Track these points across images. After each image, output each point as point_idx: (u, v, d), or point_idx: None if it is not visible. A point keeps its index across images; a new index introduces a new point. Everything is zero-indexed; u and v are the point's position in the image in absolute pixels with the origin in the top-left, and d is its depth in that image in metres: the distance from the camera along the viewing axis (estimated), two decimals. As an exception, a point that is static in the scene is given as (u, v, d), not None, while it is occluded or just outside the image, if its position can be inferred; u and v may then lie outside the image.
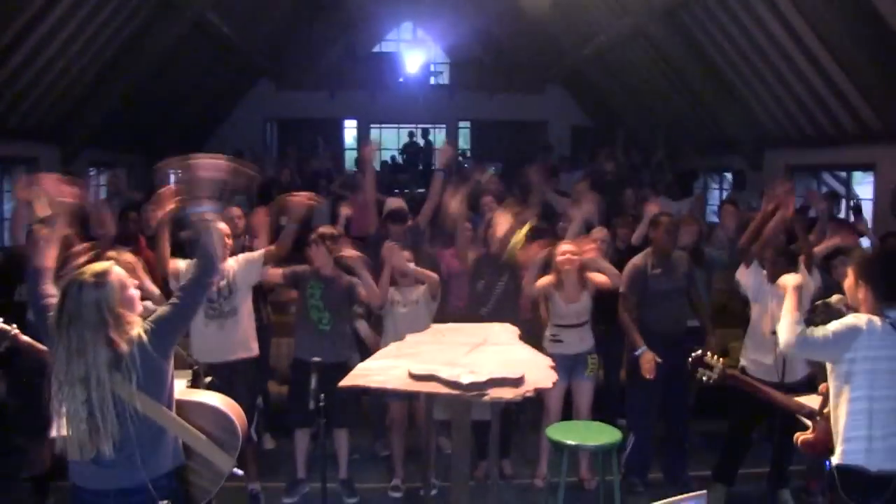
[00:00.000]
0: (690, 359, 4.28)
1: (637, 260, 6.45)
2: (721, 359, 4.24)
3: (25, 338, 3.87)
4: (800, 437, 4.04)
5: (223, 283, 5.82)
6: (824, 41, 8.92)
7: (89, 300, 2.97)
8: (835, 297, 4.01)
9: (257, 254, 5.99)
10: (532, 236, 6.64)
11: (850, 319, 3.59)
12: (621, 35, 13.44)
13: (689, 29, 11.66)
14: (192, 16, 11.85)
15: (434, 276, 6.37)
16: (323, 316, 6.01)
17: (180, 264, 5.67)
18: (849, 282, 3.80)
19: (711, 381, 4.20)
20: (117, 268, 3.15)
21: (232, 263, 5.89)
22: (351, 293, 6.07)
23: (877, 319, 3.57)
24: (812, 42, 9.32)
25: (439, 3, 17.89)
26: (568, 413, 6.38)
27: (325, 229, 6.10)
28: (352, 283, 6.06)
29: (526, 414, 7.26)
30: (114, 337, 2.96)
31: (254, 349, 6.02)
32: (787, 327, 3.67)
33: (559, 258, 6.19)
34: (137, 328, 3.06)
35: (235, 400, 3.72)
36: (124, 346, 2.98)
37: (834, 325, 3.60)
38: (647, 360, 6.12)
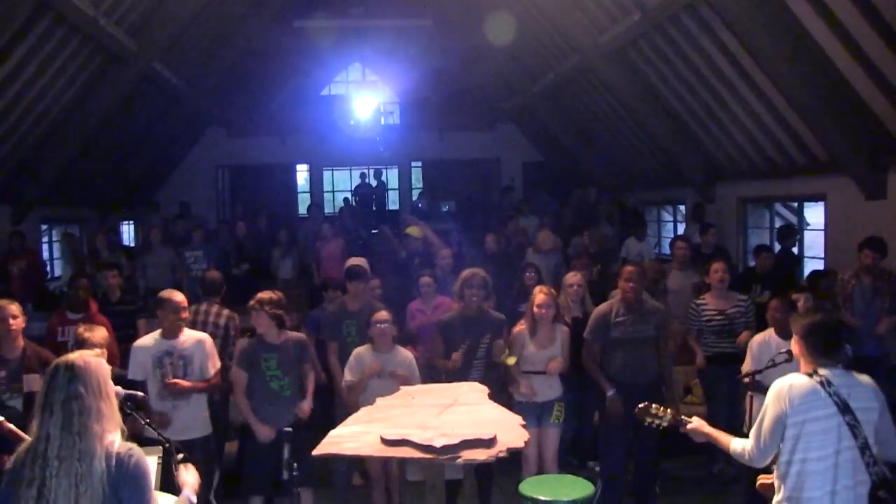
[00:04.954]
0: (636, 410, 4.34)
1: (603, 307, 6.46)
2: (667, 409, 4.27)
3: (8, 425, 3.74)
4: (760, 479, 4.06)
5: (180, 362, 5.77)
6: (770, 75, 9.07)
7: (68, 386, 2.92)
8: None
9: (212, 363, 5.91)
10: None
11: (771, 407, 3.71)
12: (569, 72, 13.59)
13: (636, 66, 11.82)
14: (140, 68, 11.71)
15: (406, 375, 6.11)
16: (283, 384, 5.87)
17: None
18: (792, 339, 3.98)
19: (661, 427, 4.26)
20: (101, 359, 3.10)
21: (191, 343, 5.84)
22: (302, 352, 5.99)
23: (801, 381, 3.69)
24: (758, 76, 9.48)
25: (387, 44, 17.95)
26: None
27: (263, 295, 5.93)
28: (300, 342, 6.02)
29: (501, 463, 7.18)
30: (90, 429, 2.89)
31: (207, 427, 5.95)
32: (739, 455, 3.91)
33: (536, 309, 6.19)
34: (116, 435, 2.99)
35: None
36: (98, 447, 2.89)
37: (763, 425, 3.74)
38: (614, 403, 6.14)
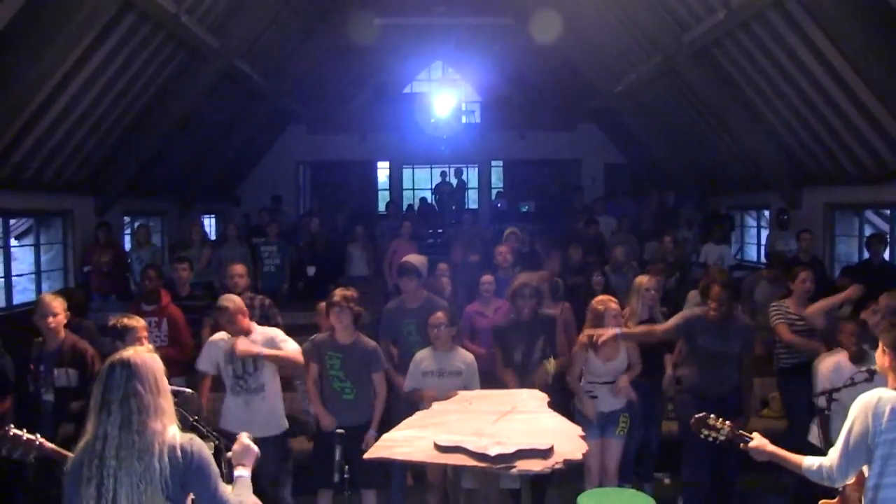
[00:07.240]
0: (693, 420, 4.05)
1: (695, 311, 6.25)
2: (727, 422, 3.97)
3: (50, 445, 3.74)
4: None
5: (249, 359, 5.71)
6: (861, 74, 8.66)
7: (125, 385, 2.89)
8: None
9: (287, 348, 5.80)
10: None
11: (858, 422, 3.36)
12: (652, 72, 13.27)
13: (721, 65, 11.45)
14: (222, 65, 11.91)
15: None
16: (345, 386, 5.79)
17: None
18: (878, 350, 3.59)
19: (718, 441, 3.97)
20: (154, 355, 3.07)
21: (261, 341, 5.76)
22: (370, 361, 5.85)
23: (891, 396, 3.33)
24: (849, 75, 9.07)
25: (469, 43, 17.87)
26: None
27: (346, 292, 5.82)
28: (370, 349, 5.87)
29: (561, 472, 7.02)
30: (148, 427, 2.87)
31: (283, 425, 5.90)
32: (815, 473, 3.57)
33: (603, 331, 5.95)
34: (174, 428, 2.96)
35: (259, 473, 3.57)
36: (157, 445, 2.87)
37: (848, 440, 3.39)
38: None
